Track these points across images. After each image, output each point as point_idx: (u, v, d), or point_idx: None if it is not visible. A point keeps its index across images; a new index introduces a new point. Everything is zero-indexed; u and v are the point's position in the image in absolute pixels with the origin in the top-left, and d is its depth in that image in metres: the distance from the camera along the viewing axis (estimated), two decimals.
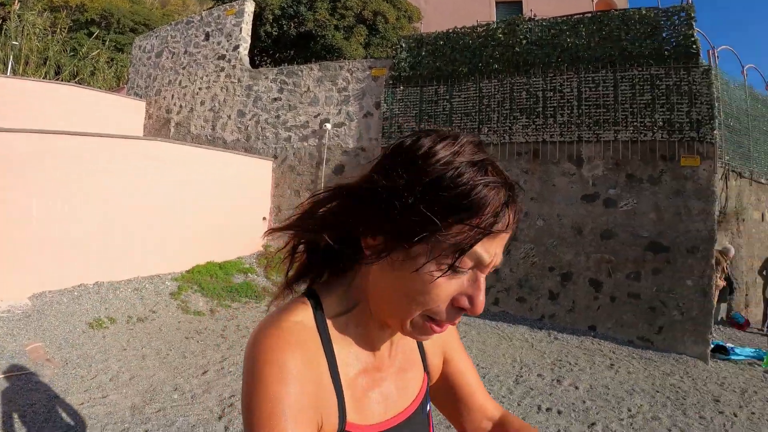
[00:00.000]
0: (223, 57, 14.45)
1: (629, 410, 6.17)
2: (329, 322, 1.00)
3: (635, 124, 9.73)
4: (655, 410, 6.28)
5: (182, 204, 10.58)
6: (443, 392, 1.32)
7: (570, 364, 7.66)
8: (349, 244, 0.98)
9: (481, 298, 0.95)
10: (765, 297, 10.60)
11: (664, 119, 9.59)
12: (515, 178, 6.71)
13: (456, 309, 0.95)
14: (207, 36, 14.88)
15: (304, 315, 0.98)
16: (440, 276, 0.91)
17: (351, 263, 1.04)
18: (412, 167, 0.91)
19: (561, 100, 10.35)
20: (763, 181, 13.33)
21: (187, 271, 10.32)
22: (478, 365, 7.16)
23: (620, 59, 9.98)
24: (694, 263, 9.07)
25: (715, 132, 9.43)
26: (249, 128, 13.66)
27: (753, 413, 6.74)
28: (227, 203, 11.68)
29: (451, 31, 11.85)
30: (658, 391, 6.96)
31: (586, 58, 10.25)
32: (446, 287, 0.93)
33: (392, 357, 1.12)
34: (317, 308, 1.00)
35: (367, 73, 12.55)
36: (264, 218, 12.75)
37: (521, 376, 6.93)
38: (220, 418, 5.06)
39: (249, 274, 11.12)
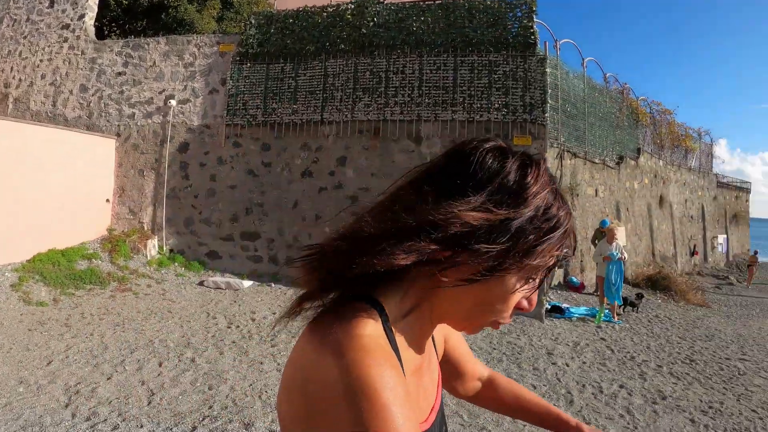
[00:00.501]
0: (67, 26, 13.42)
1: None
2: (393, 329, 0.92)
3: (473, 105, 10.19)
4: (491, 365, 6.76)
5: (15, 188, 9.88)
6: (442, 365, 1.29)
7: None
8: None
9: (535, 299, 0.97)
10: (596, 262, 11.44)
11: (500, 102, 10.15)
12: (357, 155, 8.33)
13: (516, 309, 0.96)
14: (52, 2, 13.69)
15: (375, 326, 0.87)
16: (523, 289, 0.92)
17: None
18: (510, 201, 0.87)
19: (403, 81, 10.66)
20: (596, 160, 14.35)
21: (28, 261, 9.75)
22: None
23: (462, 45, 10.43)
24: None
25: (546, 115, 10.04)
26: (92, 104, 12.85)
27: (584, 363, 7.43)
28: (67, 186, 11.04)
29: (300, 9, 11.81)
30: (495, 348, 7.49)
31: (430, 42, 10.61)
32: (519, 295, 0.93)
33: (427, 351, 1.07)
34: (383, 316, 0.91)
35: (215, 48, 12.25)
36: (107, 200, 12.17)
37: None
38: (66, 406, 4.91)
39: (93, 259, 10.63)
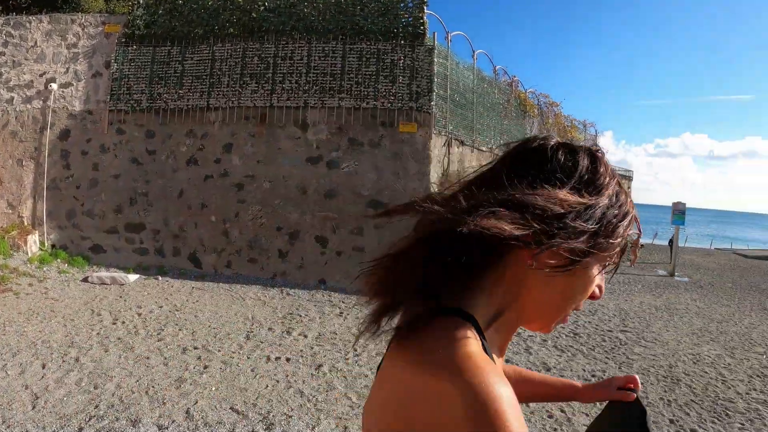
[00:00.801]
0: None
1: (355, 350, 6.69)
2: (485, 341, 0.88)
3: (360, 92, 10.35)
4: (380, 348, 6.82)
5: None
6: None
7: (301, 316, 8.07)
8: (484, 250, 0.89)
9: (604, 286, 1.01)
10: None
11: (386, 89, 10.33)
12: (243, 142, 8.49)
13: (588, 297, 0.99)
14: None
15: (476, 343, 0.83)
16: (599, 274, 0.97)
17: (480, 270, 0.92)
18: (591, 189, 0.93)
19: (291, 67, 10.65)
20: (484, 149, 14.86)
21: None
22: (209, 326, 7.26)
23: (352, 33, 10.54)
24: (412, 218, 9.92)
25: (432, 103, 10.32)
26: None
27: None
28: None
29: None
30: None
31: (320, 29, 10.66)
32: (595, 283, 0.97)
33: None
34: (478, 330, 0.87)
35: (101, 29, 11.72)
36: None
37: (252, 332, 7.16)
38: None
39: None
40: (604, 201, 0.93)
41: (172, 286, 9.47)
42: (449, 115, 12.30)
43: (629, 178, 37.33)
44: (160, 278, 9.94)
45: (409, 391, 0.79)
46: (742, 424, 5.83)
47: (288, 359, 6.17)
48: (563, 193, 0.89)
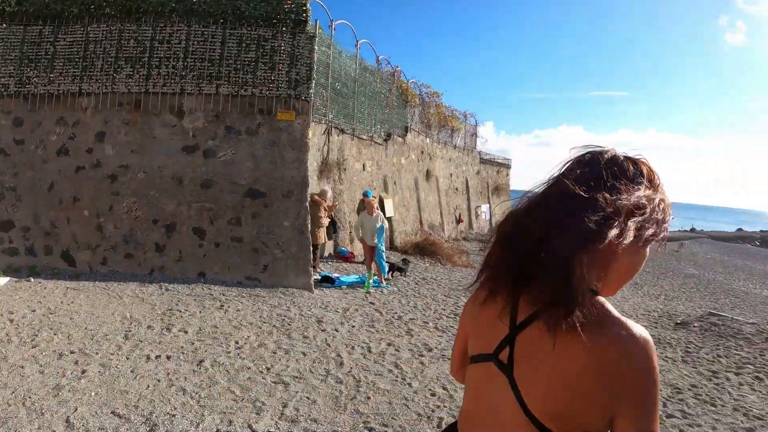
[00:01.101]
0: None
1: (237, 343, 6.53)
2: None
3: (238, 79, 10.03)
4: (262, 339, 6.78)
5: None
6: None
7: (180, 311, 7.74)
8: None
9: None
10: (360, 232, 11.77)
11: (265, 77, 10.08)
12: (117, 130, 7.95)
13: None
14: None
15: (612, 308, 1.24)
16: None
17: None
18: (653, 189, 1.29)
19: (168, 52, 10.13)
20: (364, 137, 14.95)
21: None
22: (86, 328, 6.79)
23: (233, 17, 10.14)
24: (290, 206, 9.87)
25: (311, 91, 10.19)
26: None
27: (353, 326, 7.76)
28: None
29: None
30: (265, 322, 7.51)
31: (200, 12, 10.17)
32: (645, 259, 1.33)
33: None
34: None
35: None
36: None
37: (130, 331, 6.76)
38: None
39: None
40: (663, 195, 1.31)
41: (45, 288, 8.75)
42: (330, 104, 12.27)
43: (507, 166, 39.08)
44: (32, 280, 9.15)
45: (625, 350, 1.15)
46: None
47: (169, 357, 5.92)
48: (647, 192, 1.27)
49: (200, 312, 7.77)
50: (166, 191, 9.97)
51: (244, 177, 9.93)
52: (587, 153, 1.33)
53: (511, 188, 42.01)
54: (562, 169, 1.33)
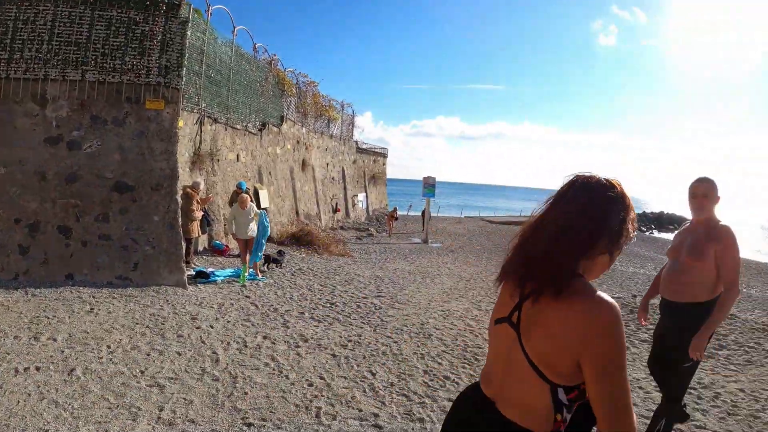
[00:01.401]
0: None
1: (109, 347, 6.24)
2: None
3: (105, 65, 9.56)
4: (135, 341, 6.52)
5: None
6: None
7: (49, 318, 7.25)
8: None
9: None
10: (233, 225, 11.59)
11: (134, 63, 9.66)
12: None
13: None
14: None
15: (592, 285, 1.67)
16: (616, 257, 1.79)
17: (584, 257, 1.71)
18: (624, 210, 1.72)
19: (32, 34, 9.42)
20: (238, 127, 14.72)
21: None
22: None
23: None
24: (159, 200, 9.53)
25: (182, 79, 9.90)
26: None
27: (228, 321, 7.68)
28: None
29: None
30: (138, 323, 7.22)
31: None
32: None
33: None
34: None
35: None
36: None
37: None
38: None
39: None
40: (633, 212, 1.76)
41: None
42: (203, 92, 11.98)
43: (384, 155, 39.74)
44: None
45: (600, 316, 1.56)
46: None
47: (38, 368, 5.57)
48: (622, 213, 1.71)
49: (69, 317, 7.36)
50: (29, 187, 9.29)
51: (111, 170, 9.45)
52: (577, 179, 1.77)
53: (388, 177, 42.78)
54: (559, 193, 1.79)
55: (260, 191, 15.79)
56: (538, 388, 1.63)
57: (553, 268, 1.64)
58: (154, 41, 9.75)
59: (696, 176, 4.06)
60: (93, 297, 8.41)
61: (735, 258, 3.79)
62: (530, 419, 1.66)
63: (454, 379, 6.05)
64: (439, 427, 4.66)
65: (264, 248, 11.38)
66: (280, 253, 13.06)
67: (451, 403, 5.10)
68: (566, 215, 1.69)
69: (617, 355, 1.55)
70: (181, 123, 10.09)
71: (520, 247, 1.81)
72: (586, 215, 1.66)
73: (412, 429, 4.70)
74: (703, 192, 3.88)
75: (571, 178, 1.78)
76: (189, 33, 10.17)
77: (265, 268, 11.77)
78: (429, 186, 25.04)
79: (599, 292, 1.61)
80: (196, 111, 11.83)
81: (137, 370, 5.60)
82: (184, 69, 10.05)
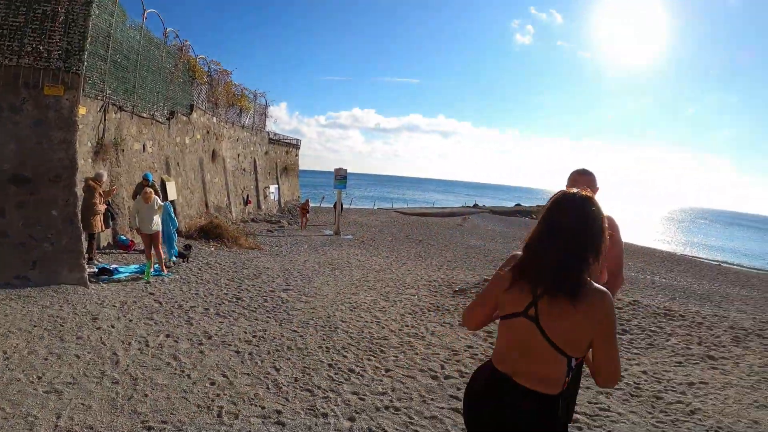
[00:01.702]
0: None
1: (5, 353, 5.87)
2: None
3: (2, 47, 9.02)
4: (32, 345, 6.17)
5: None
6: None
7: None
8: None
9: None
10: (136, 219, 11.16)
11: (34, 46, 9.15)
12: None
13: None
14: None
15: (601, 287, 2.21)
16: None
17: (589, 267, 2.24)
18: (602, 221, 2.23)
19: None
20: (145, 115, 14.20)
21: None
22: None
23: None
24: (58, 193, 9.07)
25: (84, 64, 9.48)
26: None
27: (131, 320, 7.45)
28: None
29: None
30: (36, 326, 6.83)
31: None
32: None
33: None
34: None
35: None
36: None
37: None
38: None
39: None
40: (606, 221, 2.23)
41: None
42: (108, 78, 11.50)
43: (296, 146, 39.57)
44: None
45: (611, 306, 2.14)
46: (396, 357, 6.79)
47: None
48: (606, 227, 2.21)
49: None
50: None
51: (8, 161, 8.88)
52: (572, 194, 2.26)
53: (301, 168, 42.56)
54: (557, 205, 2.26)
55: (167, 183, 15.33)
56: (558, 361, 2.16)
57: (571, 278, 2.14)
58: (56, 22, 9.26)
59: (576, 167, 4.26)
60: None
61: (618, 246, 3.92)
62: (547, 385, 2.18)
63: (359, 372, 6.15)
64: (343, 421, 4.82)
65: (176, 240, 11.09)
66: (187, 247, 12.79)
67: (356, 397, 5.23)
68: (568, 231, 2.18)
69: (615, 327, 2.19)
70: (82, 110, 9.67)
71: (530, 257, 2.26)
72: (587, 232, 2.18)
73: (316, 424, 4.73)
74: (585, 184, 4.01)
75: (559, 194, 2.31)
76: (95, 14, 9.73)
77: (171, 263, 11.46)
78: (340, 178, 25.19)
79: (596, 284, 2.18)
80: (100, 98, 11.33)
81: (34, 376, 5.34)
82: (86, 53, 9.60)
